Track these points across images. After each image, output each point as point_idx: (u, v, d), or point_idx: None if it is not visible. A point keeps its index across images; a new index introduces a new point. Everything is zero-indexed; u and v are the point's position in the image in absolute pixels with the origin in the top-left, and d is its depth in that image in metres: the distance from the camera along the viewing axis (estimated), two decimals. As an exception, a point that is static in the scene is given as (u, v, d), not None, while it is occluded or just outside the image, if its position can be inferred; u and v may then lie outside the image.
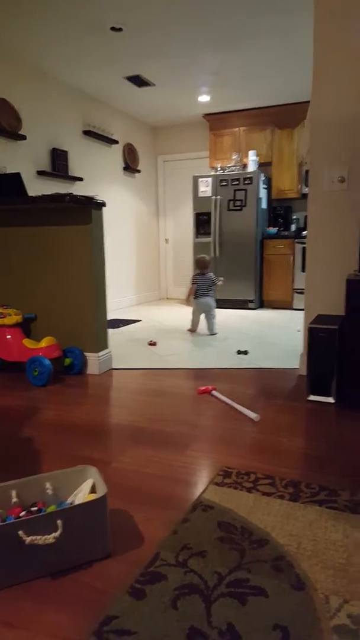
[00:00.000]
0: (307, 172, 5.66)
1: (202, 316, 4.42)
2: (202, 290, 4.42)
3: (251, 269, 5.68)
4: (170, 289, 7.14)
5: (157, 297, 7.11)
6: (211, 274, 4.49)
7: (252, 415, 2.19)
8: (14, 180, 2.87)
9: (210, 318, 4.34)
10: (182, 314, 5.45)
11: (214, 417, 2.25)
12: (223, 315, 5.24)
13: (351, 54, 2.56)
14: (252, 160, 5.69)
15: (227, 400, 2.43)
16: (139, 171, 6.32)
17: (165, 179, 6.90)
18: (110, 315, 5.51)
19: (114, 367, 3.15)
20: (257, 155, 5.82)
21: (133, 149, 6.23)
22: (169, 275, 7.11)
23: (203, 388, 2.60)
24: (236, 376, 2.92)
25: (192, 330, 4.46)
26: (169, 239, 7.01)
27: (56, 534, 1.17)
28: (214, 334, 4.24)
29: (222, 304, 5.76)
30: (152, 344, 3.78)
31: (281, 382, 2.80)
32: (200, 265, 4.45)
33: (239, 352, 3.45)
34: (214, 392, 2.56)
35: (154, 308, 6.11)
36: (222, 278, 4.64)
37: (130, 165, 6.15)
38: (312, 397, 2.45)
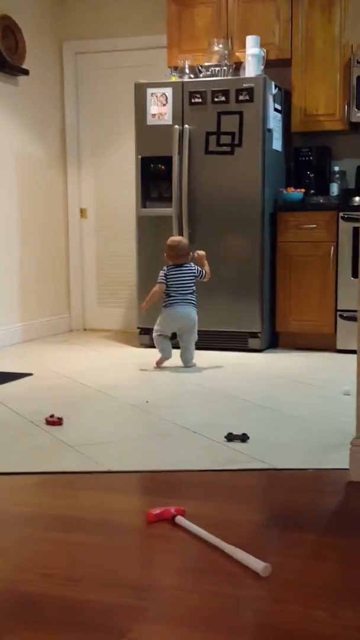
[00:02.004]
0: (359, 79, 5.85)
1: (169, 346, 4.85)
2: (178, 293, 4.83)
3: (254, 272, 5.78)
4: (90, 310, 7.15)
5: (66, 328, 7.12)
6: (191, 265, 4.92)
7: (257, 564, 2.21)
8: None
9: (187, 340, 4.83)
10: (117, 360, 5.47)
11: (179, 570, 2.26)
12: (204, 362, 5.27)
13: None
14: (251, 56, 5.83)
15: (206, 536, 2.44)
16: (25, 72, 6.39)
17: (80, 89, 6.99)
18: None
19: (-26, 471, 3.14)
20: (263, 45, 5.97)
21: (13, 27, 6.31)
22: (88, 284, 7.12)
23: (159, 511, 2.61)
24: (225, 486, 2.94)
25: (161, 361, 4.93)
26: (87, 210, 7.07)
27: None
28: (191, 366, 4.84)
29: (202, 340, 5.77)
30: (55, 421, 3.79)
31: (313, 496, 2.83)
32: (174, 254, 4.90)
33: (231, 438, 3.50)
34: (180, 520, 2.57)
35: (58, 349, 6.13)
36: (202, 252, 5.03)
37: (9, 60, 6.22)
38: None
